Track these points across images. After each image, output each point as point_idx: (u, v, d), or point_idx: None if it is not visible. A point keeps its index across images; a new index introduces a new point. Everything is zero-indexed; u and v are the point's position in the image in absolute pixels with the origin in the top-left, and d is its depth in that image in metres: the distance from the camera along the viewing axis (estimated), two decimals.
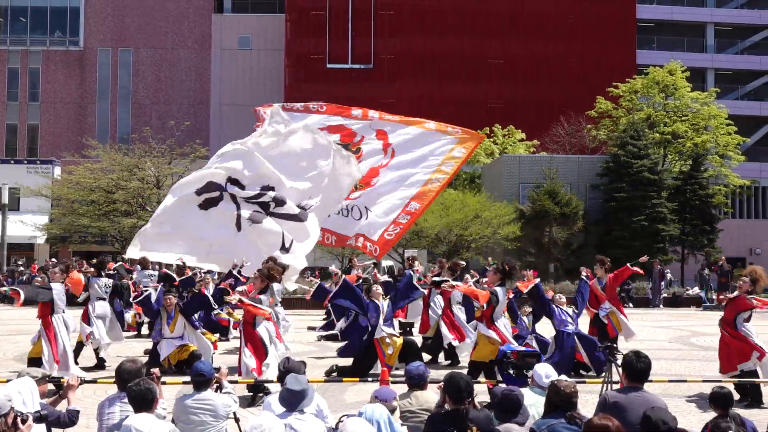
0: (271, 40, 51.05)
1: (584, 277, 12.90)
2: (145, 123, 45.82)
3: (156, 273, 18.60)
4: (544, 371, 6.71)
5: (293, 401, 5.59)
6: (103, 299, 13.79)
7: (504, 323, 10.68)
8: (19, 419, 4.46)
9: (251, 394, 10.35)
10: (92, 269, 14.36)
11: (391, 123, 14.83)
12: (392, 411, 5.88)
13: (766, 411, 9.77)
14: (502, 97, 49.24)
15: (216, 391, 6.68)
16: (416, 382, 6.59)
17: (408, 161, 14.36)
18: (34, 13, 51.33)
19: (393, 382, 8.32)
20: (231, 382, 7.31)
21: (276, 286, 11.78)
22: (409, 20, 49.71)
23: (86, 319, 13.41)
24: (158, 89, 51.30)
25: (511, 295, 11.47)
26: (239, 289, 11.08)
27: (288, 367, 6.58)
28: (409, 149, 14.49)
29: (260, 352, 10.34)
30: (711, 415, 6.26)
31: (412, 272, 13.75)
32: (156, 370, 6.58)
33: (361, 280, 16.20)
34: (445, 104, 48.82)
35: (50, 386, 7.33)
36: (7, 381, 6.51)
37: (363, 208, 14.21)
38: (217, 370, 6.90)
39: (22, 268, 33.45)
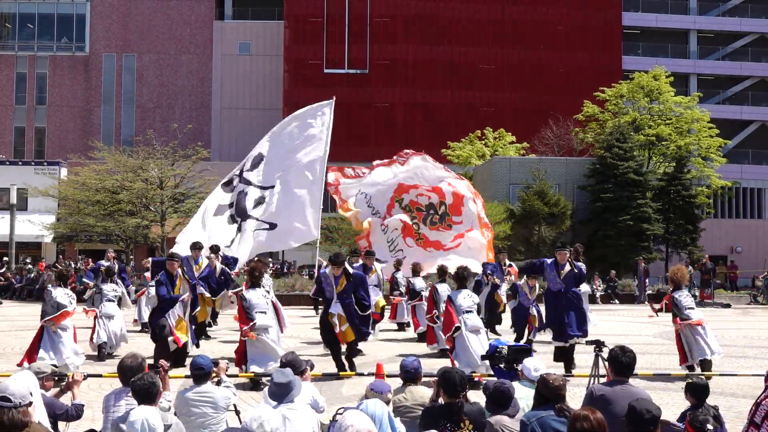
0: (271, 46, 51.36)
1: None
2: (149, 126, 46.15)
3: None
4: (533, 365, 6.72)
5: (281, 393, 5.64)
6: (112, 301, 14.19)
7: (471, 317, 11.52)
8: (29, 406, 4.50)
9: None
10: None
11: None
12: (387, 403, 5.89)
13: (741, 401, 9.68)
14: (493, 102, 49.75)
15: (216, 385, 6.76)
16: (411, 376, 6.57)
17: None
18: (42, 20, 51.56)
19: (387, 376, 8.26)
20: (230, 375, 7.46)
21: (267, 281, 12.52)
22: (403, 27, 50.11)
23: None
24: (161, 93, 51.45)
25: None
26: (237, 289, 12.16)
27: (289, 360, 6.60)
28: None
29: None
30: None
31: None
32: (164, 362, 6.69)
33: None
34: (438, 108, 49.66)
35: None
36: (9, 375, 6.36)
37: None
38: (216, 364, 6.96)
39: (30, 266, 33.38)
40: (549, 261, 12.69)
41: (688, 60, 51.85)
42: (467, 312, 11.47)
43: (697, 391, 6.21)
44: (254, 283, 11.53)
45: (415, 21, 50.30)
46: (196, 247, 14.85)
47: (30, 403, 4.48)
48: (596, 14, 50.57)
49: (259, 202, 15.10)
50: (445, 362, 12.10)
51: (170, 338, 12.05)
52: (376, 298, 14.67)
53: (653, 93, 39.26)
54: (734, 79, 52.19)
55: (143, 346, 14.59)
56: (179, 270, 12.61)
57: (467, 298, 11.59)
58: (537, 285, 15.29)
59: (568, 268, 12.37)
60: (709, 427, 5.19)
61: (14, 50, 51.55)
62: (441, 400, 5.96)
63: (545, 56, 50.16)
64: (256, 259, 15.20)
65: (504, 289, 17.03)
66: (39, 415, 5.39)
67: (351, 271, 12.25)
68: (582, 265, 12.72)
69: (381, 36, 50.31)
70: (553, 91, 49.19)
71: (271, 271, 15.27)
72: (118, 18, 51.44)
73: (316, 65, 49.93)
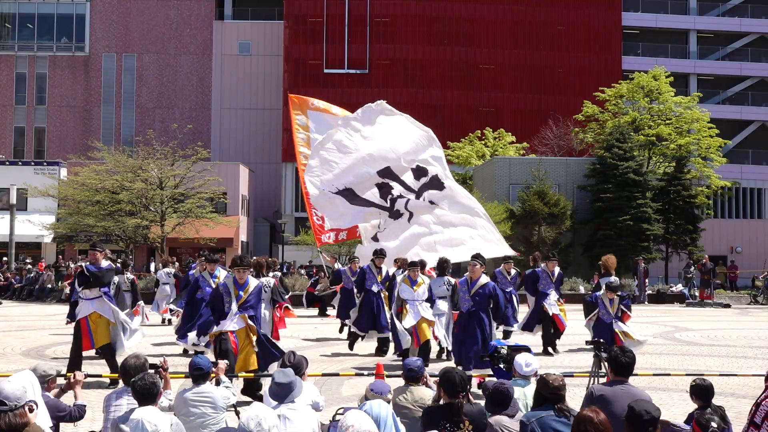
0: (270, 46, 51.46)
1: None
2: (149, 126, 46.25)
3: (173, 271, 19.58)
4: (524, 360, 6.69)
5: (282, 394, 5.66)
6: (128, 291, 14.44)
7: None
8: (26, 407, 4.39)
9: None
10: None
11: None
12: (386, 403, 5.84)
13: (741, 401, 9.69)
14: (493, 102, 49.90)
15: (216, 385, 6.78)
16: (413, 375, 6.53)
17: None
18: (41, 20, 51.72)
19: (388, 376, 8.34)
20: (230, 376, 7.51)
21: (264, 279, 11.83)
22: (403, 27, 50.17)
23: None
24: (161, 93, 51.57)
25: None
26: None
27: (293, 362, 6.54)
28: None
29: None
30: (694, 407, 6.24)
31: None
32: (164, 362, 6.65)
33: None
34: (438, 109, 49.65)
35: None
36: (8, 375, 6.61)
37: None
38: (215, 364, 6.99)
39: (29, 266, 33.43)
40: (461, 279, 11.57)
41: (688, 60, 51.88)
42: (440, 298, 12.83)
43: (702, 392, 6.18)
44: (257, 275, 11.78)
45: (415, 21, 50.37)
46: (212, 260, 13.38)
47: (27, 404, 4.41)
48: (596, 14, 50.66)
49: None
50: (447, 363, 12.56)
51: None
52: (421, 315, 12.59)
53: (653, 93, 39.15)
54: (734, 79, 52.21)
55: (142, 346, 14.70)
56: (106, 262, 11.34)
57: (442, 287, 12.82)
58: (617, 297, 12.77)
59: (482, 282, 11.02)
60: (713, 425, 5.15)
61: (14, 50, 51.69)
62: (442, 401, 5.92)
63: (545, 56, 50.25)
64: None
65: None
66: (42, 417, 5.27)
67: (258, 283, 10.65)
68: (494, 285, 11.38)
69: (381, 36, 50.38)
70: (553, 91, 49.32)
71: (272, 274, 14.95)
72: (118, 18, 51.54)
73: (316, 65, 50.03)
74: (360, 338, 14.83)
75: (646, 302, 29.24)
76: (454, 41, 50.27)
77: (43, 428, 4.82)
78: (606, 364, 6.76)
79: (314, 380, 9.43)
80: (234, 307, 10.00)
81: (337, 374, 11.61)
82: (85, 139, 46.08)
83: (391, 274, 14.81)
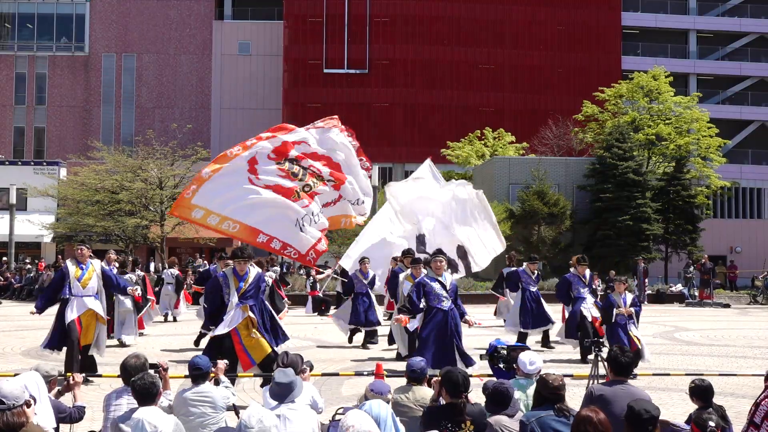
0: (270, 46, 51.38)
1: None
2: (148, 126, 46.26)
3: (176, 273, 19.90)
4: (528, 358, 6.69)
5: (282, 393, 5.67)
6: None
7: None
8: (25, 406, 4.39)
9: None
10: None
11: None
12: (386, 403, 5.85)
13: (741, 401, 9.71)
14: (493, 102, 49.93)
15: (215, 385, 6.80)
16: (417, 376, 6.53)
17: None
18: (41, 20, 51.66)
19: (387, 376, 8.33)
20: (229, 377, 7.54)
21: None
22: (403, 27, 50.10)
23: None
24: (161, 93, 51.49)
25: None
26: None
27: (287, 362, 6.56)
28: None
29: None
30: (694, 407, 6.24)
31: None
32: (163, 362, 6.69)
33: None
34: (438, 109, 49.70)
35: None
36: (15, 375, 6.38)
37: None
38: (215, 364, 7.02)
39: (29, 266, 33.46)
40: (426, 278, 10.98)
41: (688, 60, 51.80)
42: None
43: (702, 393, 6.18)
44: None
45: (415, 21, 50.34)
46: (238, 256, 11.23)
47: (26, 403, 4.40)
48: (596, 14, 50.64)
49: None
50: None
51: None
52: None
53: (653, 93, 39.12)
54: (734, 79, 52.13)
55: (141, 347, 14.72)
56: (93, 261, 11.12)
57: None
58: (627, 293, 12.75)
59: (449, 278, 10.84)
60: (711, 424, 5.17)
61: (14, 50, 51.63)
62: (442, 401, 5.92)
63: (545, 56, 50.26)
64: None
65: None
66: (47, 417, 5.36)
67: (258, 272, 10.53)
68: (453, 279, 11.10)
69: (381, 36, 50.33)
70: (552, 91, 49.33)
71: (271, 271, 15.08)
72: (118, 18, 51.50)
73: (316, 65, 49.96)
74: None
75: (646, 302, 29.19)
76: (453, 41, 50.25)
77: (46, 428, 4.86)
78: (606, 364, 6.76)
79: (314, 380, 9.39)
80: (234, 299, 9.98)
81: (337, 374, 11.59)
82: (84, 139, 46.15)
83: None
